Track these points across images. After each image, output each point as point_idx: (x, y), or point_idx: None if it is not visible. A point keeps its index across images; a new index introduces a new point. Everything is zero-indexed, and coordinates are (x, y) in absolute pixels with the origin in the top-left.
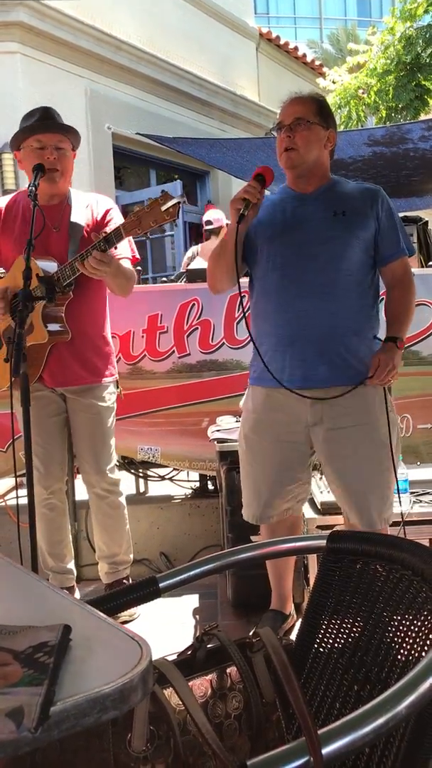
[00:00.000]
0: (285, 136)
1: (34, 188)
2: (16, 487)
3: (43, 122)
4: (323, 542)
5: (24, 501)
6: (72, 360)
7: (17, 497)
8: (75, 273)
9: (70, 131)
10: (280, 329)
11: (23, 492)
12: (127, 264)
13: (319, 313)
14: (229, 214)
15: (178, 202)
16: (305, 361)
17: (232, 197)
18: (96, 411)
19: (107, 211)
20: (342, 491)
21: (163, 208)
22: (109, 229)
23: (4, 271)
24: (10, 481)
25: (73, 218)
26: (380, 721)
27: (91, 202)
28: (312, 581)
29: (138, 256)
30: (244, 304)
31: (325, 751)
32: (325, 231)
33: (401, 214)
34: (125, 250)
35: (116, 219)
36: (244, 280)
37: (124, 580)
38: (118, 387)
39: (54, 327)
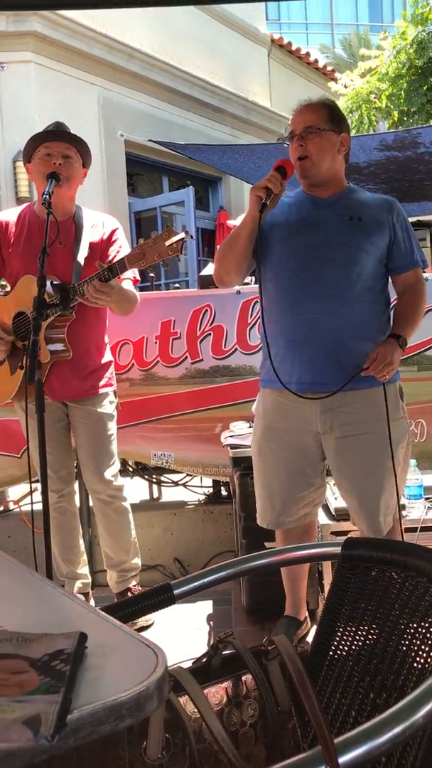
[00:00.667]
0: (297, 145)
1: (48, 195)
2: (31, 492)
3: (51, 130)
4: (338, 549)
5: (38, 507)
6: (72, 376)
7: (32, 503)
8: (84, 293)
9: (79, 142)
10: (290, 331)
11: (37, 497)
12: (129, 285)
13: (330, 316)
14: (249, 201)
15: (182, 239)
16: (314, 364)
17: (246, 199)
18: (96, 418)
19: (113, 232)
20: (353, 498)
21: (167, 243)
22: (112, 251)
23: (8, 286)
24: (24, 487)
25: (79, 236)
26: (397, 729)
27: (97, 222)
28: (326, 587)
29: (139, 278)
30: (256, 310)
31: (341, 760)
32: (341, 235)
33: (414, 219)
34: (128, 272)
35: (120, 240)
36: (256, 288)
37: (134, 588)
38: (116, 397)
39: (56, 347)
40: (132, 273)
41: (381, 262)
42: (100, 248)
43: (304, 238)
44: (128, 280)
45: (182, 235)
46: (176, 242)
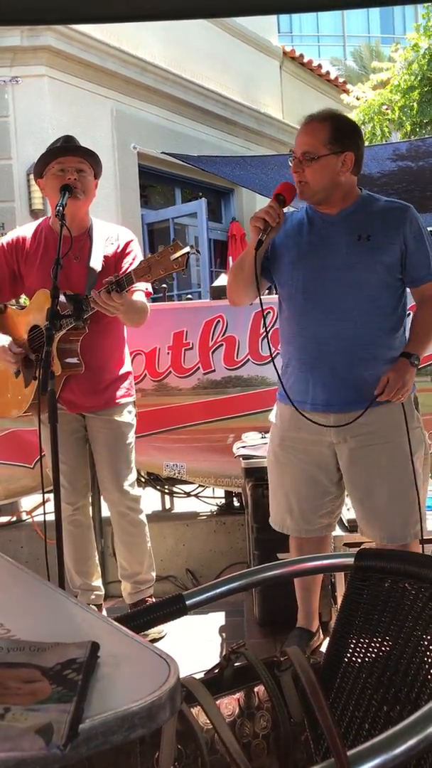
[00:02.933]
0: (294, 171)
1: (61, 208)
2: (44, 503)
3: (63, 145)
4: (351, 560)
5: (51, 517)
6: (88, 389)
7: (44, 513)
8: (93, 309)
9: (92, 156)
10: (302, 353)
11: (50, 508)
12: (141, 296)
13: (337, 339)
14: (250, 230)
15: (187, 252)
16: (326, 386)
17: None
18: (114, 426)
19: (127, 244)
20: (363, 509)
21: (173, 257)
22: (126, 263)
23: (26, 299)
24: (37, 498)
25: (94, 251)
26: (411, 742)
27: (111, 234)
28: (339, 599)
29: (151, 290)
30: (268, 322)
31: None
32: (348, 256)
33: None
34: (141, 284)
35: (135, 252)
36: (269, 298)
37: (148, 599)
38: (135, 407)
39: (69, 360)
40: (144, 285)
41: (394, 276)
42: (114, 261)
43: (312, 259)
44: (140, 291)
45: (187, 249)
46: (181, 256)
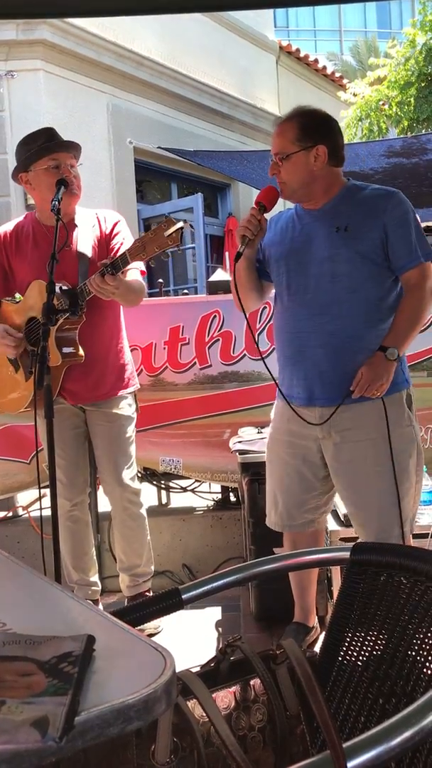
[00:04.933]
0: (271, 174)
1: (57, 203)
2: (40, 498)
3: (58, 142)
4: (347, 554)
5: (47, 513)
6: (88, 379)
7: (41, 509)
8: (90, 294)
9: (78, 149)
10: (286, 348)
11: (46, 503)
12: (136, 275)
13: (319, 333)
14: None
15: (181, 228)
16: (307, 381)
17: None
18: (114, 419)
19: (115, 225)
20: (349, 504)
21: (167, 233)
22: (116, 244)
23: (20, 296)
24: (33, 493)
25: (81, 237)
26: (406, 734)
27: (96, 219)
28: (335, 594)
29: (145, 269)
30: (264, 316)
31: (350, 765)
32: (327, 249)
33: (423, 225)
34: (135, 263)
35: (123, 232)
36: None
37: (146, 593)
38: (136, 399)
39: (67, 350)
40: (139, 264)
41: (378, 267)
42: (103, 243)
43: (296, 255)
44: (135, 270)
45: (181, 224)
46: (175, 231)
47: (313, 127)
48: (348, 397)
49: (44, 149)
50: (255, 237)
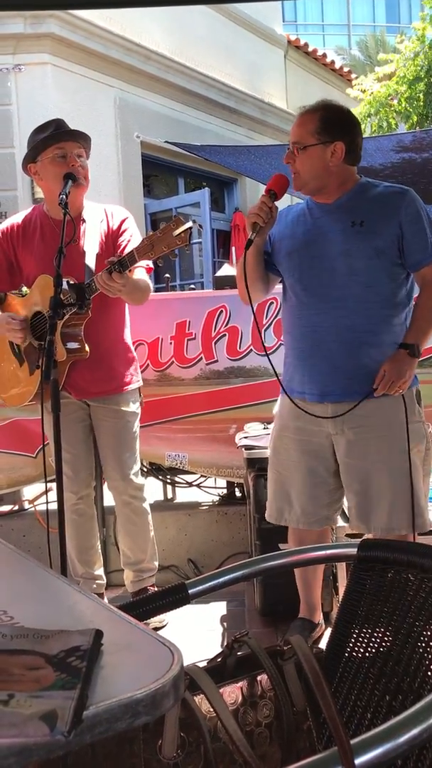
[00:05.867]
0: (287, 161)
1: (65, 197)
2: (46, 492)
3: (64, 131)
4: (354, 550)
5: (53, 506)
6: (93, 375)
7: (47, 502)
8: (97, 290)
9: (87, 139)
10: (298, 343)
11: (52, 497)
12: (142, 273)
13: (333, 328)
14: (247, 227)
15: (189, 228)
16: (322, 375)
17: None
18: (119, 415)
19: (122, 222)
20: (357, 499)
21: (175, 233)
22: (123, 241)
23: (26, 289)
24: (39, 487)
25: (89, 233)
26: (414, 731)
27: (104, 215)
28: (341, 590)
29: (152, 266)
30: (271, 312)
31: (358, 761)
32: (342, 243)
33: None
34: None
35: (131, 229)
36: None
37: (150, 588)
38: (140, 395)
39: (72, 345)
40: (145, 261)
41: (391, 262)
42: (110, 240)
43: (308, 249)
44: (141, 268)
45: (190, 224)
46: (183, 232)
47: (334, 123)
48: (370, 395)
49: (50, 138)
50: (266, 225)
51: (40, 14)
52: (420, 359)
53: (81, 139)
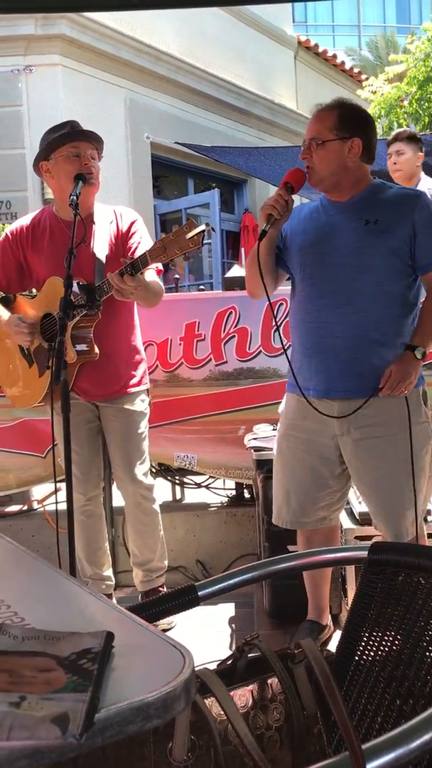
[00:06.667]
0: (303, 156)
1: (75, 197)
2: (56, 492)
3: (79, 131)
4: (365, 553)
5: (63, 506)
6: (102, 376)
7: (56, 502)
8: (110, 290)
9: (100, 141)
10: (306, 339)
11: (61, 497)
12: (153, 275)
13: (341, 324)
14: (260, 219)
15: (203, 231)
16: (328, 372)
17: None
18: (127, 415)
19: (132, 224)
20: (371, 502)
21: (188, 236)
22: (133, 243)
23: (36, 292)
24: (48, 487)
25: (98, 235)
26: (426, 737)
27: (114, 216)
28: (350, 592)
29: (162, 268)
30: (280, 314)
31: (369, 766)
32: (356, 241)
33: None
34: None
35: (140, 231)
36: (282, 290)
37: (160, 588)
38: (149, 396)
39: (82, 347)
40: (155, 264)
41: (403, 262)
42: (119, 242)
43: (320, 245)
44: (151, 270)
45: (202, 227)
46: (197, 235)
47: (352, 120)
48: (375, 395)
49: (65, 136)
50: (281, 217)
51: (51, 16)
52: (426, 362)
53: (95, 140)
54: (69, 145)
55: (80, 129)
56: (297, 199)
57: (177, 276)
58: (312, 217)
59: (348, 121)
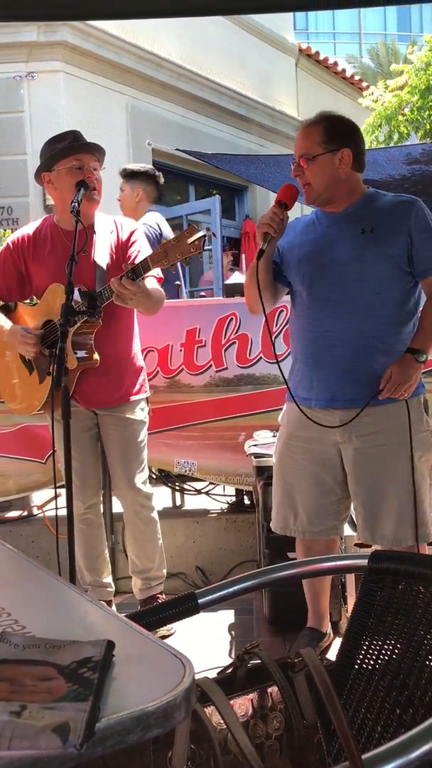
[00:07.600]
0: (295, 174)
1: (77, 204)
2: (56, 498)
3: (83, 143)
4: (365, 562)
5: (62, 512)
6: (102, 383)
7: (56, 508)
8: (111, 297)
9: (103, 153)
10: (307, 349)
11: (61, 503)
12: (153, 283)
13: (342, 333)
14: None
15: (204, 236)
16: (330, 381)
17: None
18: (126, 424)
19: (131, 234)
20: (366, 510)
21: (189, 241)
22: (132, 252)
23: (37, 300)
24: (48, 492)
25: (99, 244)
26: (426, 747)
27: (114, 226)
28: (349, 600)
29: (162, 276)
30: (281, 319)
31: None
32: (352, 249)
33: None
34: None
35: (140, 241)
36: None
37: (158, 596)
38: (148, 404)
39: (81, 353)
40: (155, 271)
41: (401, 269)
42: (120, 251)
43: (318, 256)
44: (152, 278)
45: (203, 232)
46: (198, 240)
47: (338, 131)
48: (374, 398)
49: (69, 149)
50: (277, 234)
51: (54, 23)
52: (425, 370)
53: (97, 152)
54: (72, 157)
55: (83, 141)
56: (298, 209)
57: (178, 282)
58: (308, 230)
59: (334, 133)
